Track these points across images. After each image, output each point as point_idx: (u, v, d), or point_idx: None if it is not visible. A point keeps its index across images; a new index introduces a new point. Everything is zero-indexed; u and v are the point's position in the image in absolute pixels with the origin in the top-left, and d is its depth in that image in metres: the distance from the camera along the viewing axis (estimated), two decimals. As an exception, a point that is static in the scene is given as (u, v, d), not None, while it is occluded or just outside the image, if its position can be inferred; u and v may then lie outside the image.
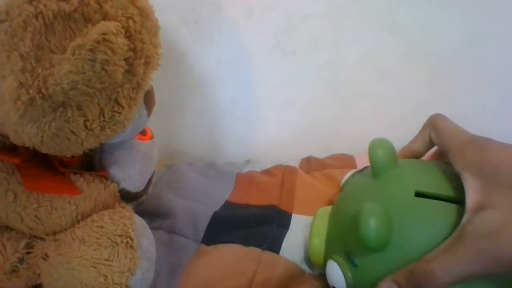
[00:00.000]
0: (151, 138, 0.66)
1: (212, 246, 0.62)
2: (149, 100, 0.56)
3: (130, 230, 0.49)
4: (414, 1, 0.82)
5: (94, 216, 0.51)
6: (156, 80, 0.89)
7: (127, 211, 0.53)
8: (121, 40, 0.41)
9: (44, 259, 0.49)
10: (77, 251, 0.47)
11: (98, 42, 0.39)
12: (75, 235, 0.49)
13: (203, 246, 0.62)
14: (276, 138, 0.98)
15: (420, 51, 0.87)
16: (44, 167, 0.51)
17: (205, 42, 0.87)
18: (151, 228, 0.63)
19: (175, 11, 0.83)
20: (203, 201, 0.73)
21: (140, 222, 0.52)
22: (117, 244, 0.47)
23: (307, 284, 0.55)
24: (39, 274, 0.50)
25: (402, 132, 0.94)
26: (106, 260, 0.46)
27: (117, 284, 0.46)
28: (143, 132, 0.65)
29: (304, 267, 0.58)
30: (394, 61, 0.88)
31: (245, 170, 0.86)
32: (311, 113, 0.95)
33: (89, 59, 0.39)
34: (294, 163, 0.87)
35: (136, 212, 0.69)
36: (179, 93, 0.94)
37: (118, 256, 0.47)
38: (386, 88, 0.91)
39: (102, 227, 0.49)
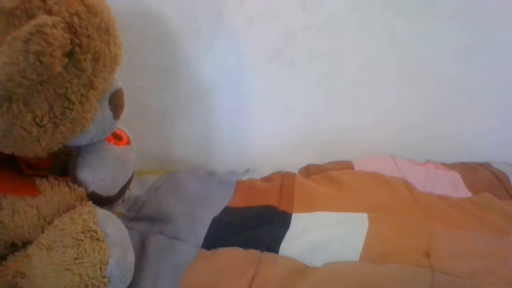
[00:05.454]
0: (128, 143, 0.65)
1: (212, 250, 0.61)
2: (114, 102, 0.55)
3: (91, 223, 0.48)
4: (411, 13, 0.80)
5: (56, 221, 0.50)
6: (157, 88, 0.92)
7: (87, 206, 0.52)
8: (57, 32, 0.40)
9: (23, 277, 0.49)
10: (47, 260, 0.47)
11: (31, 33, 0.38)
12: (41, 245, 0.49)
13: (203, 250, 0.62)
14: (275, 147, 0.97)
15: (417, 61, 0.85)
16: (7, 169, 0.51)
17: (205, 51, 0.87)
18: (151, 232, 0.63)
19: (177, 20, 0.84)
20: (203, 207, 0.73)
21: (102, 214, 0.52)
22: (82, 241, 0.47)
23: (313, 275, 0.54)
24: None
25: (400, 141, 0.93)
26: (75, 259, 0.46)
27: (93, 278, 0.46)
28: (119, 137, 0.64)
29: (309, 260, 0.58)
30: (391, 71, 0.87)
31: (244, 178, 0.85)
32: (310, 123, 0.93)
33: (23, 50, 0.38)
34: (293, 171, 0.85)
35: (137, 217, 0.68)
36: (179, 102, 0.94)
37: (86, 252, 0.47)
38: (384, 97, 0.89)
39: (63, 229, 0.49)
